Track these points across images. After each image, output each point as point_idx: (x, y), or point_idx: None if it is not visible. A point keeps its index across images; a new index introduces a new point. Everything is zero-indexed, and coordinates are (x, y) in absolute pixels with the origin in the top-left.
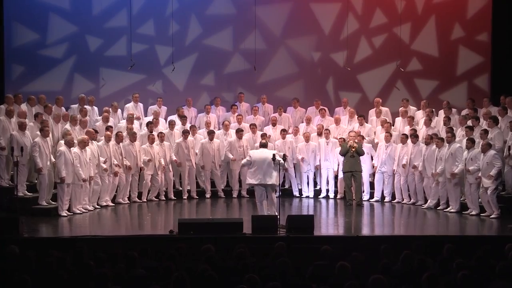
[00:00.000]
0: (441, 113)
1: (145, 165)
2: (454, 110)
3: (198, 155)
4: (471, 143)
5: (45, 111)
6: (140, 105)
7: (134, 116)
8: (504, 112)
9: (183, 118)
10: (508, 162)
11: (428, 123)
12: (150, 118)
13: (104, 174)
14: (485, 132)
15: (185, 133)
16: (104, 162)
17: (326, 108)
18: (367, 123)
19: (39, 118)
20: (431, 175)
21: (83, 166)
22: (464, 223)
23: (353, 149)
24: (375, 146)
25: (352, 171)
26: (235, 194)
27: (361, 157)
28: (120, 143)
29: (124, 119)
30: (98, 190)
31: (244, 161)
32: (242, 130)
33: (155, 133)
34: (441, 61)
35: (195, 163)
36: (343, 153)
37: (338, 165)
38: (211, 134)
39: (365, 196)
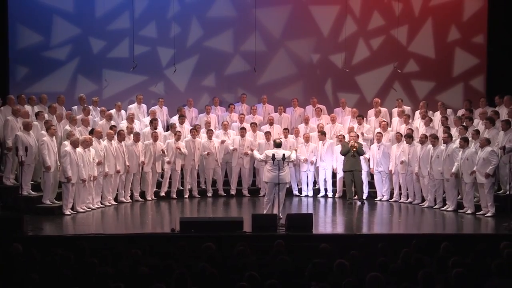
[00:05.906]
0: (437, 113)
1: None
2: (449, 110)
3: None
4: (464, 142)
5: (49, 111)
6: (144, 106)
7: (134, 116)
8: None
9: (181, 117)
10: (503, 161)
11: (428, 123)
12: (148, 118)
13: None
14: (477, 132)
15: (192, 132)
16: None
17: (321, 107)
18: (366, 123)
19: (40, 116)
20: (427, 174)
21: (86, 166)
22: (461, 222)
23: (354, 149)
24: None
25: (352, 170)
26: (233, 192)
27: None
28: (123, 142)
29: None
30: (101, 188)
31: (260, 157)
32: (245, 129)
33: (157, 131)
34: (438, 62)
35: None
36: (343, 153)
37: (336, 163)
38: (209, 132)
39: (364, 195)
